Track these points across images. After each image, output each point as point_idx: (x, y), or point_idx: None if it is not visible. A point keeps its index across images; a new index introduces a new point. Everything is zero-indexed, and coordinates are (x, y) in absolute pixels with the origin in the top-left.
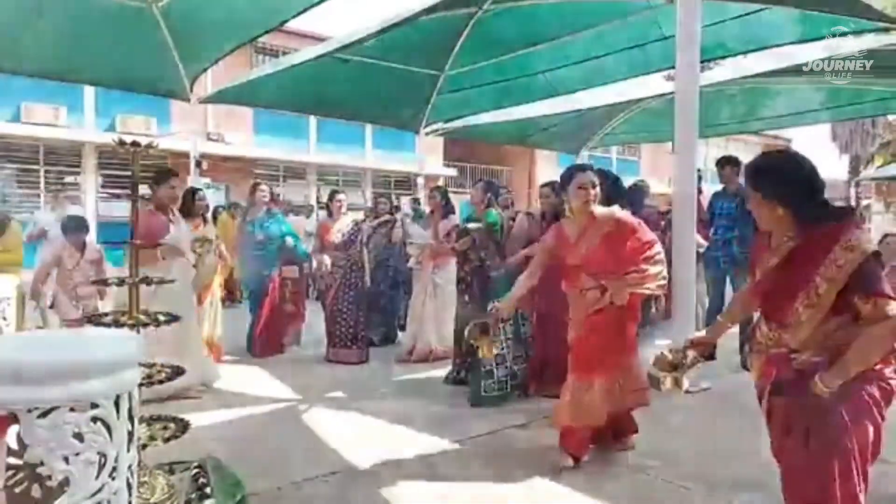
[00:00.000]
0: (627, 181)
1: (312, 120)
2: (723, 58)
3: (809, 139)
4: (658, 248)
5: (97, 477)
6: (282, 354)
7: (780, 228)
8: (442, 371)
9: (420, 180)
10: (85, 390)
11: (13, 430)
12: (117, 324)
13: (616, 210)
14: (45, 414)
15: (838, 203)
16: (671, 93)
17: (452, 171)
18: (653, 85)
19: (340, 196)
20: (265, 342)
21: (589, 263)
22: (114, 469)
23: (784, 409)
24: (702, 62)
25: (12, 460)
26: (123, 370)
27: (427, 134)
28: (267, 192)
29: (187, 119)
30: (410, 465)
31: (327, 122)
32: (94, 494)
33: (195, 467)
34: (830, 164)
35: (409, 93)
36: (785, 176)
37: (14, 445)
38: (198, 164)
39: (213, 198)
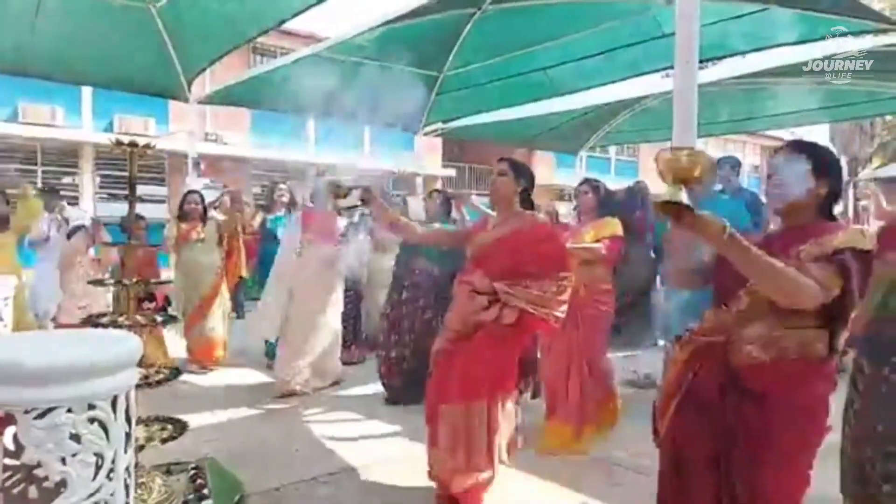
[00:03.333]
0: (626, 182)
1: (311, 120)
2: (722, 58)
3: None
4: (569, 275)
5: (94, 478)
6: None
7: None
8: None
9: (419, 180)
10: (82, 391)
11: (10, 431)
12: (115, 325)
13: (540, 216)
14: (42, 415)
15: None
16: (669, 92)
17: (451, 172)
18: (650, 85)
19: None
20: None
21: (487, 257)
22: (111, 470)
23: (717, 411)
24: (701, 62)
25: (9, 461)
26: (121, 371)
27: (426, 134)
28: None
29: (185, 119)
30: (406, 465)
31: (326, 121)
32: (91, 495)
33: (193, 468)
34: None
35: (408, 93)
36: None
37: (11, 446)
38: (196, 164)
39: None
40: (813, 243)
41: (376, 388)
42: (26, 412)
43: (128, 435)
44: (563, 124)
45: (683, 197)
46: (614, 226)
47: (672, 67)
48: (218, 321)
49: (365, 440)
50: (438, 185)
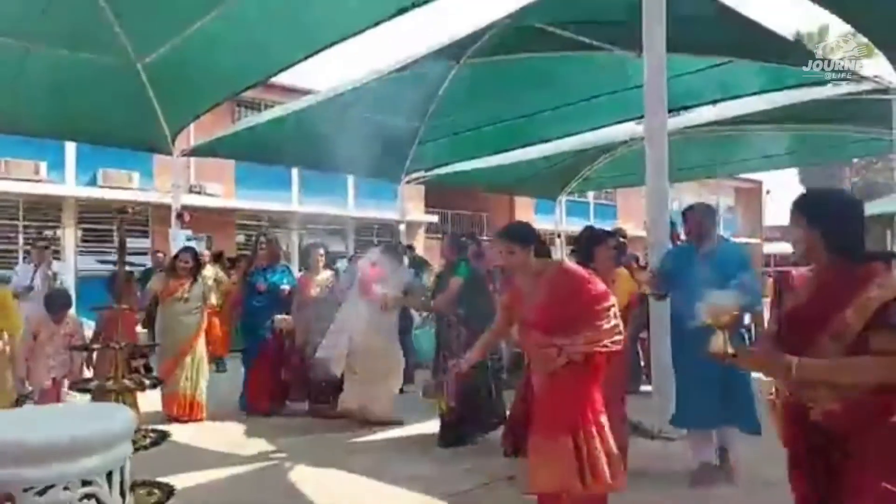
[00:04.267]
0: (605, 226)
1: (294, 170)
2: (692, 106)
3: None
4: (612, 300)
5: None
6: (269, 411)
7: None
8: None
9: (402, 227)
10: (79, 468)
11: None
12: (102, 390)
13: (564, 261)
14: (41, 493)
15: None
16: (642, 137)
17: (433, 218)
18: (625, 131)
19: (320, 250)
20: (259, 399)
21: (539, 320)
22: None
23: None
24: (672, 110)
25: None
26: (116, 446)
27: (408, 182)
28: (273, 245)
29: (169, 172)
30: None
31: (310, 172)
32: None
33: None
34: None
35: (390, 143)
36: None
37: None
38: (179, 216)
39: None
40: (864, 298)
41: (364, 443)
42: (25, 490)
43: None
44: (542, 170)
45: (728, 346)
46: (628, 278)
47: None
48: (192, 377)
49: (355, 498)
50: (421, 232)
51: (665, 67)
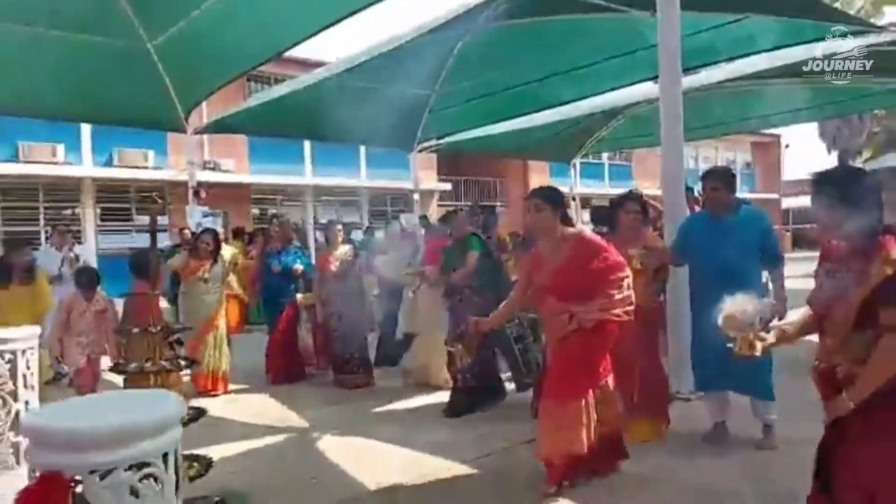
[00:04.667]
0: (620, 187)
1: (307, 143)
2: (708, 65)
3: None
4: (626, 271)
5: None
6: (292, 382)
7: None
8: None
9: (416, 196)
10: (138, 451)
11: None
12: (142, 371)
13: (583, 230)
14: (104, 476)
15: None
16: (656, 98)
17: (447, 186)
18: (641, 91)
19: (338, 226)
20: (279, 369)
21: (555, 285)
22: None
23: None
24: (687, 69)
25: None
26: (169, 429)
27: (420, 151)
28: (285, 227)
29: (183, 149)
30: (420, 488)
31: (322, 144)
32: None
33: (218, 502)
34: (820, 160)
35: (402, 113)
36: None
37: None
38: (195, 193)
39: (211, 224)
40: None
41: (385, 412)
42: (91, 472)
43: (176, 484)
44: (555, 135)
45: (754, 349)
46: (657, 240)
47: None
48: (214, 354)
49: (379, 465)
50: (435, 200)
51: (679, 26)
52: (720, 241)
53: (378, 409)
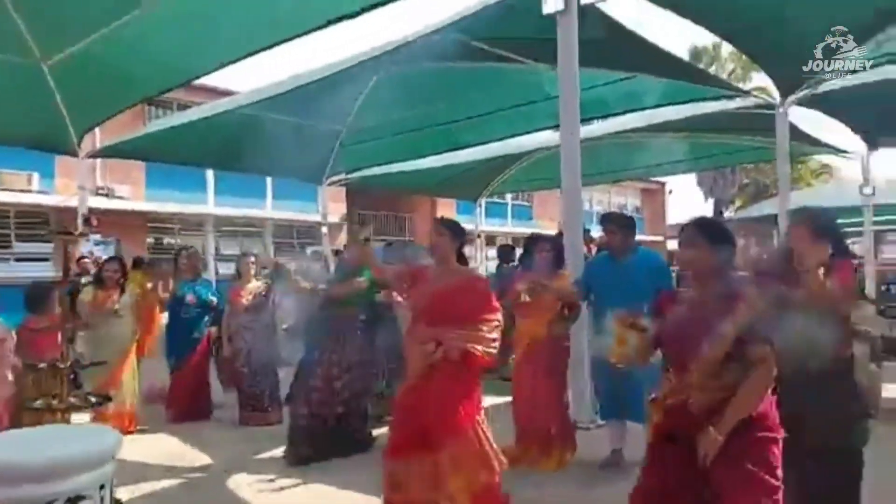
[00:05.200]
0: (522, 226)
1: (210, 171)
2: (603, 117)
3: (681, 185)
4: (499, 317)
5: None
6: (197, 420)
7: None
8: None
9: (324, 230)
10: (76, 484)
11: None
12: (49, 408)
13: (474, 272)
14: None
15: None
16: (556, 145)
17: (356, 219)
18: (542, 137)
19: (250, 258)
20: (183, 407)
21: (430, 309)
22: None
23: (681, 458)
24: (583, 120)
25: None
26: (107, 463)
27: (330, 184)
28: (195, 258)
29: (73, 173)
30: None
31: (226, 173)
32: None
33: None
34: (698, 207)
35: (312, 146)
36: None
37: None
38: (86, 220)
39: (103, 253)
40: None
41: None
42: None
43: None
44: (463, 174)
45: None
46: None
47: (559, 125)
48: (128, 393)
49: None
50: (344, 234)
51: (578, 80)
52: (618, 280)
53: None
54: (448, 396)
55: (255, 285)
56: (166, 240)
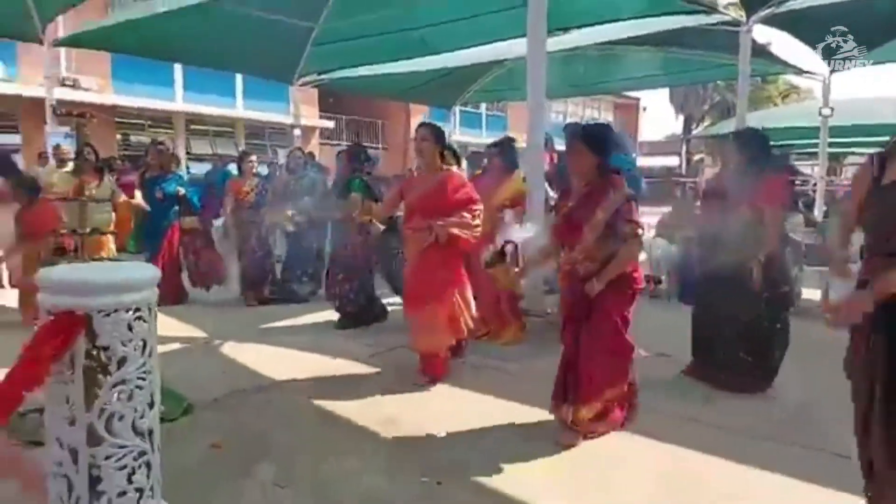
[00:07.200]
0: (496, 136)
1: (178, 65)
2: (577, 27)
3: (654, 100)
4: (480, 207)
5: (142, 355)
6: (176, 304)
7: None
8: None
9: (297, 132)
10: (133, 299)
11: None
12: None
13: (453, 169)
14: (108, 314)
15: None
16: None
17: (329, 123)
18: (518, 48)
19: (252, 157)
20: (167, 291)
21: (422, 205)
22: (150, 352)
23: (570, 302)
24: (557, 29)
25: (87, 347)
26: (151, 286)
27: (301, 85)
28: (164, 154)
29: (36, 62)
30: (327, 379)
31: (195, 68)
32: (139, 368)
33: None
34: (669, 123)
35: (283, 44)
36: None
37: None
38: (55, 111)
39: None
40: (607, 202)
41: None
42: (99, 312)
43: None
44: (437, 80)
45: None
46: (518, 180)
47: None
48: None
49: (286, 361)
50: (316, 137)
51: None
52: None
53: (277, 324)
54: (437, 270)
55: (255, 182)
56: (134, 137)
